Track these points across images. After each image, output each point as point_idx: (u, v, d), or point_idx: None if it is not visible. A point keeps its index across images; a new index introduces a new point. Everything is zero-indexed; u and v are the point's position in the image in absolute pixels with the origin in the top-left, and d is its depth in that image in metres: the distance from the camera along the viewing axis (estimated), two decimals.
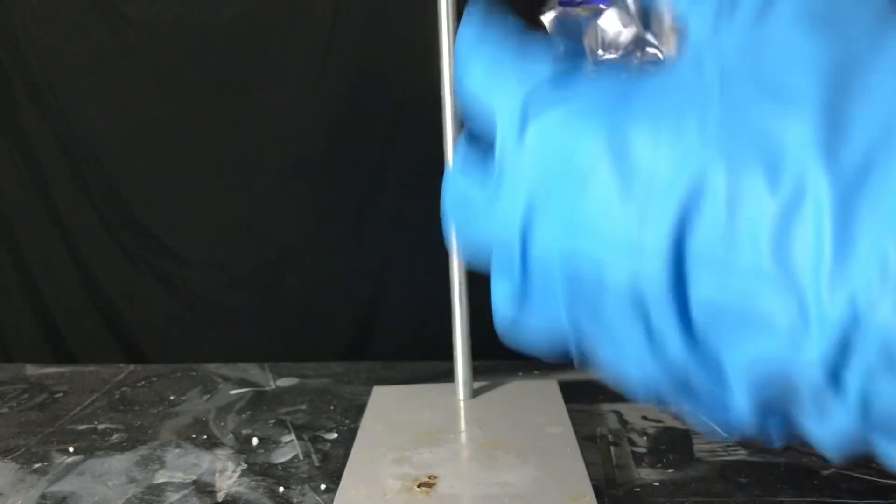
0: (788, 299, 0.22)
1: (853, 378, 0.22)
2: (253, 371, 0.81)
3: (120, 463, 0.61)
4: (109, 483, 0.58)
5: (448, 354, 0.67)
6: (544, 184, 0.25)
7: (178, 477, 0.59)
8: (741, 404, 0.25)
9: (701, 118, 0.23)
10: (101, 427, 0.68)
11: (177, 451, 0.63)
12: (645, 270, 0.24)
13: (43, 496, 0.56)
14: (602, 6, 0.29)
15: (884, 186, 0.21)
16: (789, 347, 0.22)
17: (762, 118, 0.22)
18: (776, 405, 0.25)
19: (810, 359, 0.22)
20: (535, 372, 0.77)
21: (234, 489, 0.57)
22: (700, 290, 0.23)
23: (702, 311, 0.23)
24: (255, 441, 0.64)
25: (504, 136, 0.26)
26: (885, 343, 0.21)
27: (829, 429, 0.24)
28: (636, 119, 0.24)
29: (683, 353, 0.24)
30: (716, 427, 0.28)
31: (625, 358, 0.26)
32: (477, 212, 0.27)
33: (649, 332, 0.24)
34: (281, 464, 0.60)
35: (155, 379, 0.80)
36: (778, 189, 0.22)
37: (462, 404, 0.66)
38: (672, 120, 0.23)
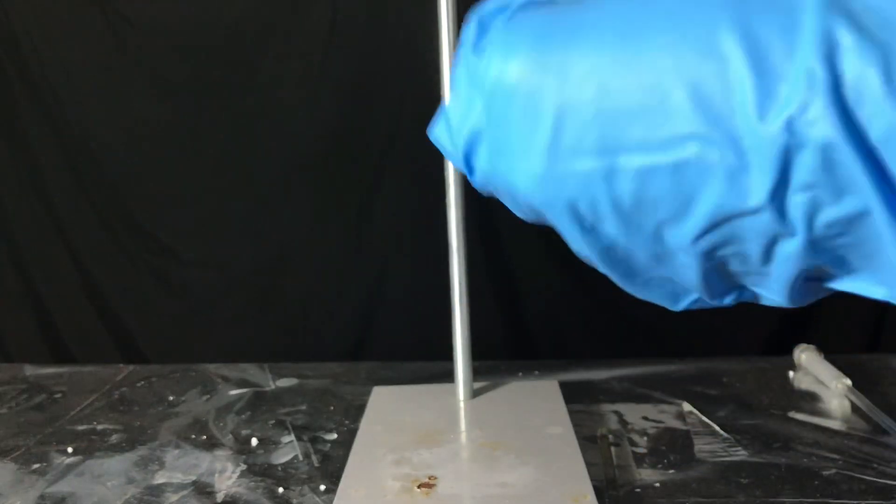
0: (723, 147, 0.23)
1: (797, 204, 0.23)
2: (252, 371, 0.81)
3: (119, 463, 0.61)
4: (108, 484, 0.58)
5: (448, 354, 0.67)
6: (484, 111, 0.28)
7: (178, 477, 0.59)
8: (691, 277, 0.27)
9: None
10: (100, 427, 0.68)
11: (176, 451, 0.63)
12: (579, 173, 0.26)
13: (42, 497, 0.56)
14: None
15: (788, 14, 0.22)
16: (733, 195, 0.23)
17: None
18: (723, 267, 0.26)
19: (757, 200, 0.23)
20: (536, 372, 0.77)
21: (233, 490, 0.56)
22: (628, 173, 0.25)
23: (634, 189, 0.25)
24: (254, 441, 0.64)
25: (462, 51, 0.29)
26: (825, 151, 0.21)
27: (778, 268, 0.25)
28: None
29: (621, 236, 0.27)
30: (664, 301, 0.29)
31: (573, 245, 0.29)
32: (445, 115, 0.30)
33: (582, 226, 0.27)
34: (280, 464, 0.60)
35: (154, 379, 0.80)
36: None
37: (462, 404, 0.66)
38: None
